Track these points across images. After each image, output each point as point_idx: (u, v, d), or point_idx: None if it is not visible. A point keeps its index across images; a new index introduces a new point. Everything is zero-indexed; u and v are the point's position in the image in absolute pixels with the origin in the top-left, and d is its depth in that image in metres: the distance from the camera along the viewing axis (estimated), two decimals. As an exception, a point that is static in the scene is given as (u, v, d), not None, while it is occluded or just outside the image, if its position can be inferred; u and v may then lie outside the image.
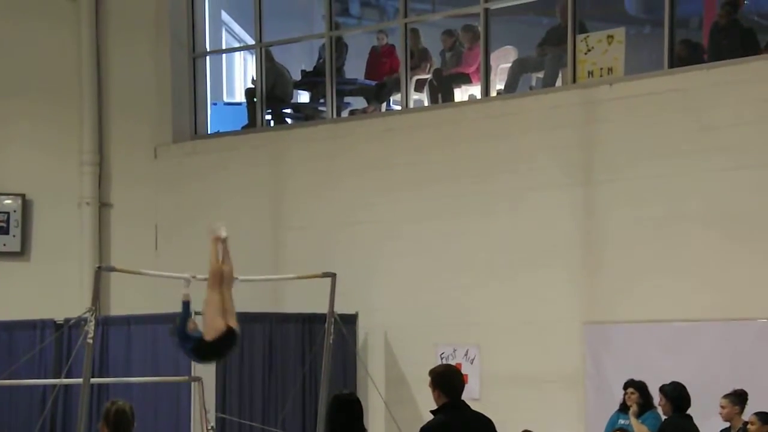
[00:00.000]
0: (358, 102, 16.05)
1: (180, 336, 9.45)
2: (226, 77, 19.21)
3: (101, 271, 10.40)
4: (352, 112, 15.85)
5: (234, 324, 9.32)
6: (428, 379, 7.24)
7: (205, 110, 16.50)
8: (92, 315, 9.78)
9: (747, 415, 10.18)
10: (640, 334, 12.21)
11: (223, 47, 18.59)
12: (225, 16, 18.81)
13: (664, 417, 10.73)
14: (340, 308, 12.01)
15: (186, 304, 9.62)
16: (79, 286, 14.98)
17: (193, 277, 10.13)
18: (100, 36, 15.96)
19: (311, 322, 13.45)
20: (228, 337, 9.31)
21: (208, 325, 9.26)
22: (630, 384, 11.19)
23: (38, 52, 15.79)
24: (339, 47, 15.50)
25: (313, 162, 14.81)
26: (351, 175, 14.43)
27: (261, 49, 15.84)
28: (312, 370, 13.13)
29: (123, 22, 16.01)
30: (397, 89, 14.94)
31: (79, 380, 10.31)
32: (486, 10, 13.86)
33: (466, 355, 13.36)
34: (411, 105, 14.74)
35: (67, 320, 12.79)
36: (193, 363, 12.63)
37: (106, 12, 16.02)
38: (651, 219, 12.29)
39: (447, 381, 7.08)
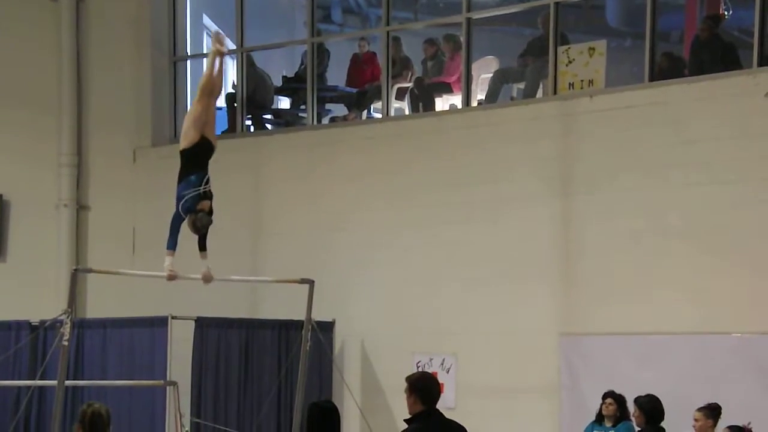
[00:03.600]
0: (339, 109, 16.05)
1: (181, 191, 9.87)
2: (207, 82, 19.14)
3: (78, 273, 10.37)
4: (332, 119, 15.85)
5: (212, 137, 9.98)
6: (405, 386, 7.22)
7: (185, 114, 16.44)
8: (68, 317, 9.74)
9: (720, 428, 10.22)
10: (616, 346, 12.24)
11: (204, 51, 18.52)
12: (206, 20, 18.77)
13: (638, 429, 10.77)
14: (318, 315, 12.01)
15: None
16: (56, 288, 14.94)
17: (171, 277, 10.13)
18: (80, 39, 15.91)
19: (288, 328, 13.43)
20: (201, 145, 9.89)
21: (185, 135, 9.94)
22: (609, 395, 11.22)
23: (18, 55, 15.73)
24: (320, 54, 15.50)
25: (292, 168, 14.80)
26: (331, 183, 14.43)
27: (242, 54, 15.82)
28: (288, 377, 13.12)
29: (103, 24, 15.96)
30: (378, 97, 14.95)
31: (54, 382, 10.27)
32: (468, 19, 13.89)
33: (442, 364, 13.36)
34: (392, 113, 14.75)
35: (42, 322, 12.74)
36: (169, 367, 12.68)
37: (86, 14, 15.97)
38: (629, 232, 12.33)
39: (424, 388, 7.06)
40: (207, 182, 9.99)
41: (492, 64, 14.80)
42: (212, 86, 10.01)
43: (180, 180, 9.99)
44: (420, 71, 15.15)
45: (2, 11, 15.76)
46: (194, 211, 9.86)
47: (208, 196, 9.98)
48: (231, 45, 17.41)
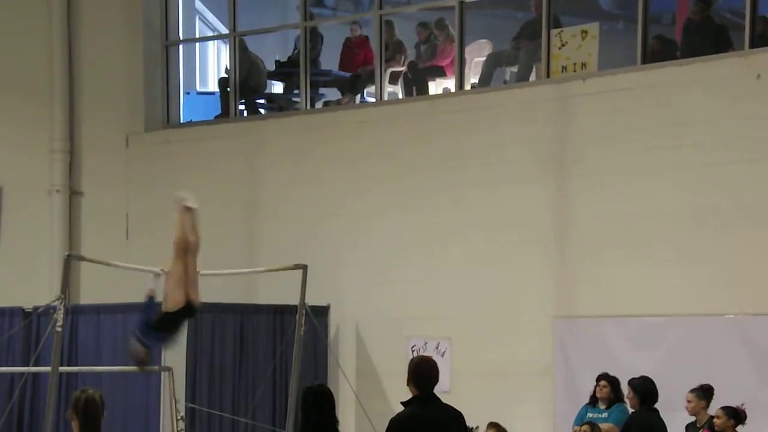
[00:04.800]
0: (333, 93, 16.03)
1: (142, 328, 9.11)
2: (200, 66, 19.15)
3: (71, 260, 10.36)
4: (326, 104, 15.82)
5: (195, 295, 9.06)
6: (399, 371, 7.26)
7: (178, 99, 16.43)
8: (61, 303, 9.75)
9: (713, 409, 10.25)
10: (610, 328, 12.26)
11: (197, 36, 18.51)
12: (199, 4, 18.74)
13: (631, 410, 10.79)
14: (312, 300, 12.02)
15: (149, 300, 9.34)
16: (49, 274, 14.90)
17: (162, 270, 10.05)
18: (72, 23, 15.85)
19: (282, 313, 13.44)
20: (185, 310, 9.01)
21: (168, 297, 9.01)
22: (603, 377, 11.25)
23: (9, 40, 15.67)
24: (314, 38, 15.47)
25: (286, 153, 14.78)
26: (324, 167, 14.42)
27: (235, 38, 15.78)
28: (283, 362, 13.12)
29: (96, 9, 15.91)
30: (372, 81, 14.92)
31: (48, 368, 10.28)
32: (461, 3, 13.86)
33: (437, 348, 13.38)
34: (385, 97, 14.72)
35: (36, 308, 12.73)
36: (163, 353, 12.66)
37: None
38: (622, 214, 12.33)
39: (419, 373, 7.10)
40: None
41: (485, 47, 14.79)
42: (187, 243, 9.08)
43: (147, 323, 9.14)
44: (413, 55, 15.12)
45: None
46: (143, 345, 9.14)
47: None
48: (221, 25, 17.39)
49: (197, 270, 9.12)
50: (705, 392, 10.38)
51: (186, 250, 9.01)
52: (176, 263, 8.99)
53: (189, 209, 9.07)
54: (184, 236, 9.03)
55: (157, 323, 9.05)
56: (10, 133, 15.65)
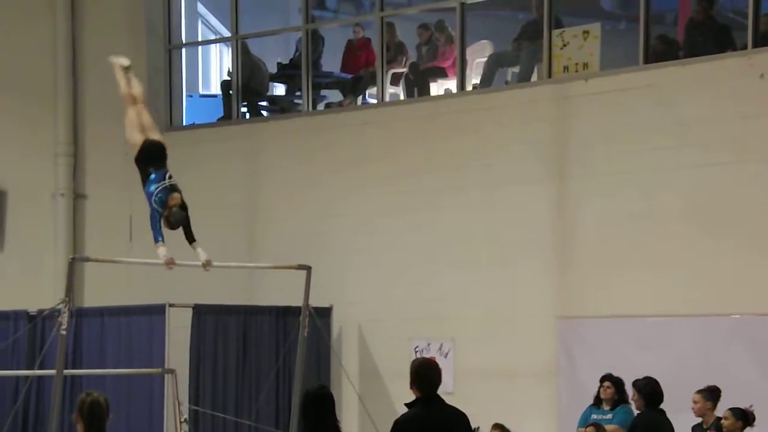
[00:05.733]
0: (334, 95, 16.04)
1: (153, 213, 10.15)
2: (202, 69, 19.17)
3: (75, 262, 10.38)
4: (328, 105, 15.83)
5: (155, 136, 10.47)
6: (402, 373, 7.26)
7: (181, 102, 16.45)
8: (66, 306, 9.77)
9: (720, 410, 10.22)
10: (614, 329, 12.25)
11: (199, 39, 18.53)
12: (201, 8, 18.76)
13: (636, 412, 10.78)
14: (315, 301, 12.03)
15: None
16: (53, 278, 14.92)
17: (170, 262, 10.15)
18: (75, 27, 15.88)
19: (285, 314, 13.44)
20: (148, 146, 10.35)
21: (131, 143, 10.51)
22: (607, 378, 11.23)
23: (14, 43, 15.69)
24: (315, 40, 15.49)
25: (288, 155, 14.80)
26: (326, 169, 14.43)
27: (237, 41, 15.80)
28: (286, 363, 13.14)
29: (99, 12, 15.94)
30: (373, 83, 14.93)
31: (53, 371, 10.29)
32: (462, 4, 13.87)
33: (440, 349, 13.38)
34: (387, 99, 14.73)
35: (40, 311, 12.76)
36: (167, 355, 12.72)
37: (81, 3, 15.94)
38: (625, 214, 12.33)
39: (421, 375, 7.09)
40: (170, 177, 10.08)
41: (486, 48, 14.78)
42: (132, 95, 10.64)
43: (144, 184, 10.16)
44: (415, 56, 15.13)
45: (-3, 2, 15.75)
46: (167, 204, 9.92)
47: (176, 188, 10.06)
48: (223, 28, 17.40)
49: (150, 118, 10.72)
50: (711, 393, 10.34)
51: (133, 100, 10.67)
52: (129, 111, 10.59)
53: (123, 68, 10.85)
54: (127, 90, 10.73)
55: (141, 174, 10.33)
56: (14, 136, 15.67)
